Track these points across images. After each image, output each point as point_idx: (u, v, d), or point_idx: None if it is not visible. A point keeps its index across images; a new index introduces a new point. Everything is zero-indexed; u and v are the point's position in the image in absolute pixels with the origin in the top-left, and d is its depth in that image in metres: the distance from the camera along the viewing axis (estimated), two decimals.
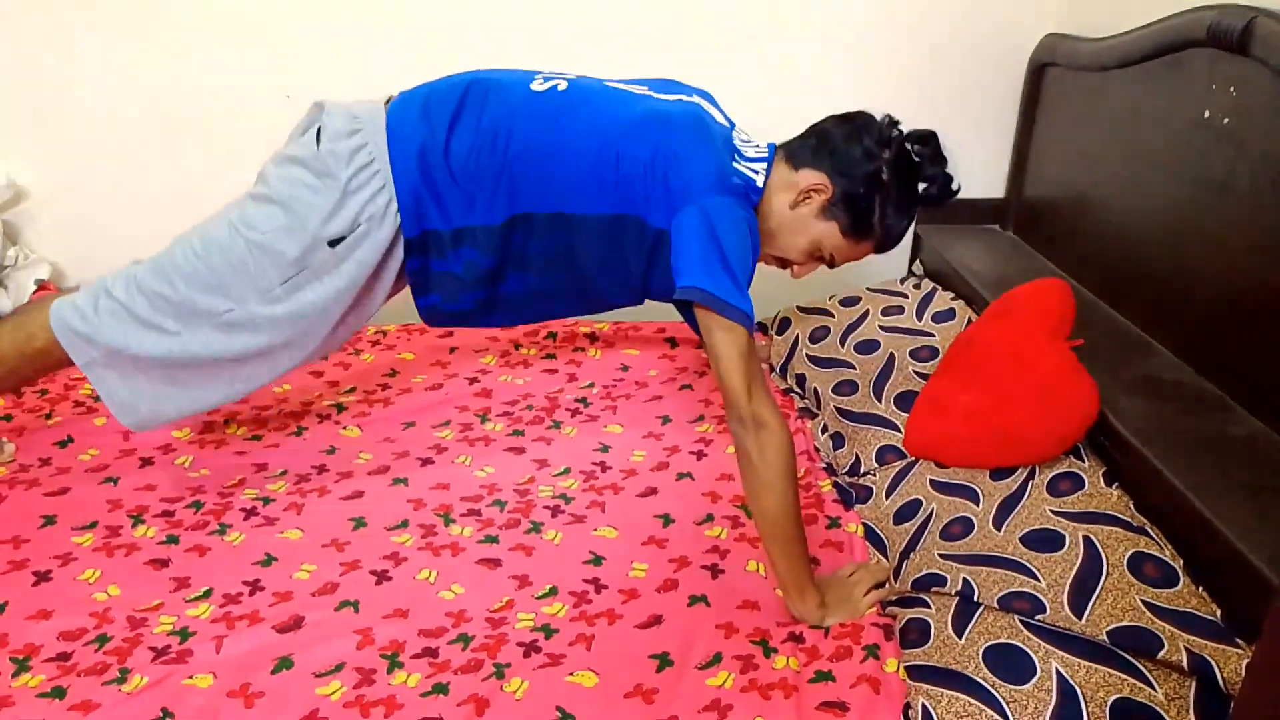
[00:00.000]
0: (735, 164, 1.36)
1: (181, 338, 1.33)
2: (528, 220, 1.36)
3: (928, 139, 1.36)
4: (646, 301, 1.55)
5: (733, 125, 1.48)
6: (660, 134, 1.33)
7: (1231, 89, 1.35)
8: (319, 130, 1.33)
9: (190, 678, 1.12)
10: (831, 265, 1.46)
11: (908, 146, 1.35)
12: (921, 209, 1.43)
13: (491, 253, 1.38)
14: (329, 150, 1.30)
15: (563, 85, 1.38)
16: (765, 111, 2.05)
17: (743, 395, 1.21)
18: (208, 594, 1.27)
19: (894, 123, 1.37)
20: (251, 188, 1.36)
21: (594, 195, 1.35)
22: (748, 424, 1.21)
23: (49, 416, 1.67)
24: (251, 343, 1.34)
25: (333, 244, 1.31)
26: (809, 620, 1.23)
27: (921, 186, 1.38)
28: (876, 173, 1.32)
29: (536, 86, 1.38)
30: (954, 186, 1.38)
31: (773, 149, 1.42)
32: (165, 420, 1.39)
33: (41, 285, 1.99)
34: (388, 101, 1.40)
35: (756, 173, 1.38)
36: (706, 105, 1.45)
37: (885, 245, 1.42)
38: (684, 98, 1.44)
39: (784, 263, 1.48)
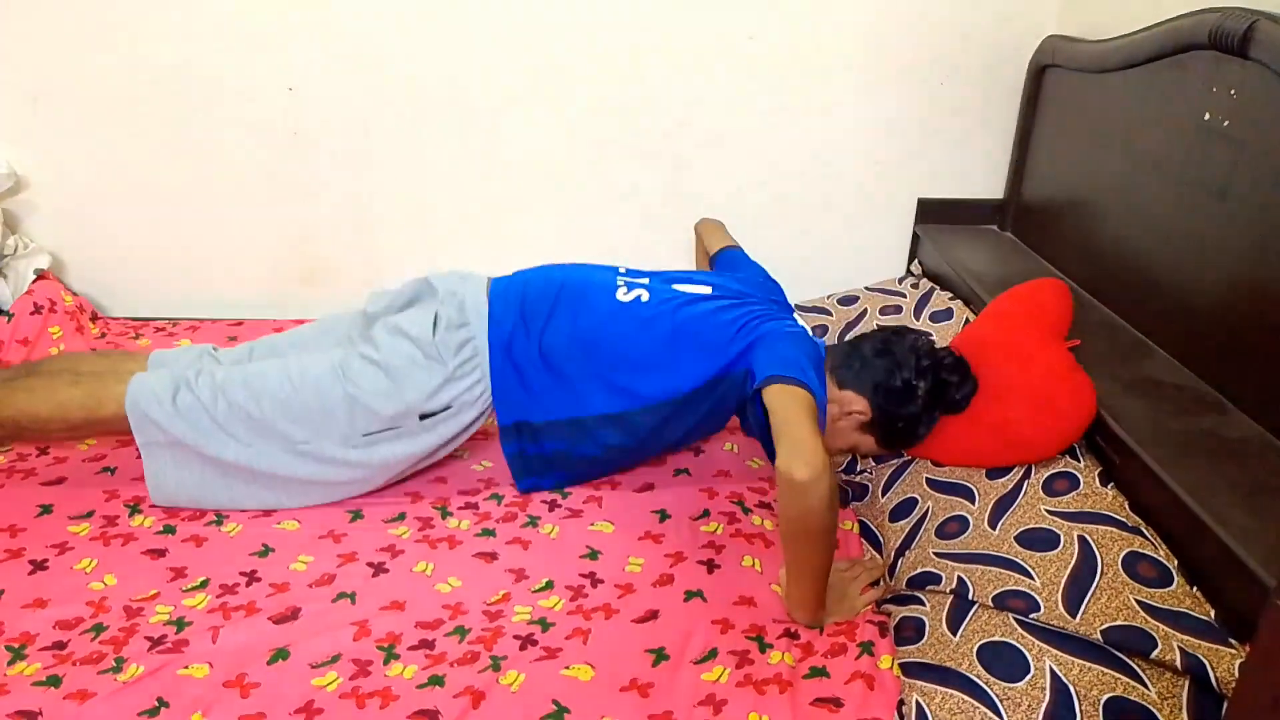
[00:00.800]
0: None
1: (251, 450, 1.37)
2: (626, 415, 1.42)
3: (958, 366, 1.43)
4: None
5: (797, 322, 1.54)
6: (745, 325, 1.43)
7: (1232, 92, 1.36)
8: (436, 316, 1.42)
9: (186, 668, 1.12)
10: (863, 457, 1.60)
11: (941, 373, 1.41)
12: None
13: (586, 441, 1.45)
14: (442, 340, 1.40)
15: (645, 296, 1.46)
16: (767, 113, 2.05)
17: (811, 439, 1.17)
18: (204, 584, 1.27)
19: (926, 350, 1.43)
20: (361, 345, 1.43)
21: (694, 375, 1.41)
22: (814, 465, 1.14)
23: None
24: (316, 472, 1.40)
25: (424, 416, 1.40)
26: (805, 623, 1.24)
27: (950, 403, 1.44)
28: (915, 410, 1.40)
29: (621, 296, 1.46)
30: (972, 397, 1.44)
31: (822, 347, 1.48)
32: (196, 506, 1.42)
33: (41, 274, 1.98)
34: (487, 284, 1.50)
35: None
36: (782, 315, 1.50)
37: (912, 446, 1.49)
38: (758, 314, 1.48)
39: None
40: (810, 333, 1.51)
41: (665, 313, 1.43)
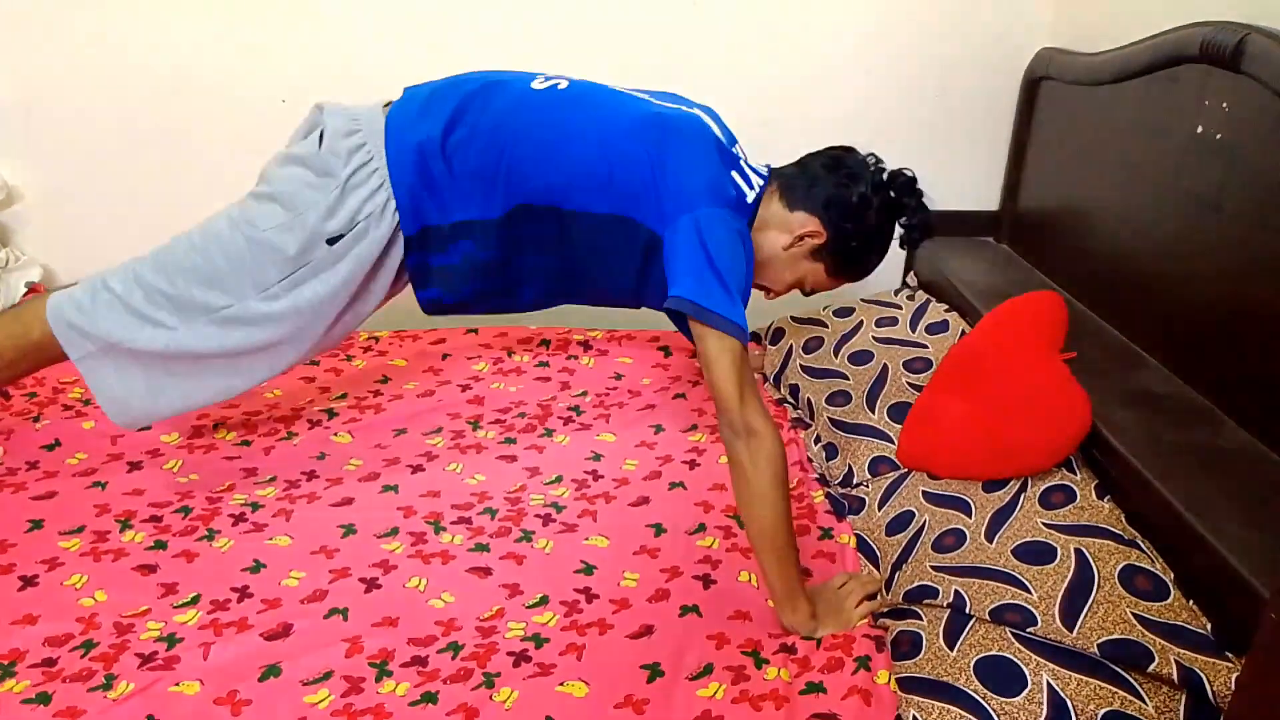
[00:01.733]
0: (733, 175, 1.37)
1: (178, 332, 1.33)
2: (525, 212, 1.37)
3: (911, 185, 1.40)
4: (642, 309, 1.56)
5: (733, 140, 1.49)
6: (659, 137, 1.35)
7: (1224, 104, 1.36)
8: (321, 132, 1.34)
9: (177, 685, 1.11)
10: (807, 294, 1.52)
11: (893, 194, 1.39)
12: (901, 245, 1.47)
13: (489, 246, 1.39)
14: (329, 149, 1.32)
15: (563, 84, 1.40)
16: (762, 123, 2.06)
17: (734, 403, 1.21)
18: (195, 600, 1.25)
19: (879, 167, 1.41)
20: (254, 187, 1.38)
21: (592, 194, 1.36)
22: (740, 432, 1.21)
23: (37, 420, 1.66)
24: (248, 338, 1.35)
25: (331, 241, 1.33)
26: (800, 631, 1.23)
27: (903, 231, 1.42)
28: (870, 224, 1.36)
29: (537, 85, 1.40)
30: (931, 226, 1.43)
31: (769, 172, 1.43)
32: (157, 417, 1.39)
33: (32, 287, 1.98)
34: (387, 105, 1.42)
35: (751, 188, 1.40)
36: (707, 118, 1.46)
37: (859, 278, 1.47)
38: (684, 108, 1.45)
39: (763, 289, 1.52)
40: (743, 179, 1.40)
41: (579, 111, 1.35)
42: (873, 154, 1.42)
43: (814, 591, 1.27)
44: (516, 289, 1.49)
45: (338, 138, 1.33)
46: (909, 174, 1.40)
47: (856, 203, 1.34)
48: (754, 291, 1.47)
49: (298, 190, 1.32)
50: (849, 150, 1.41)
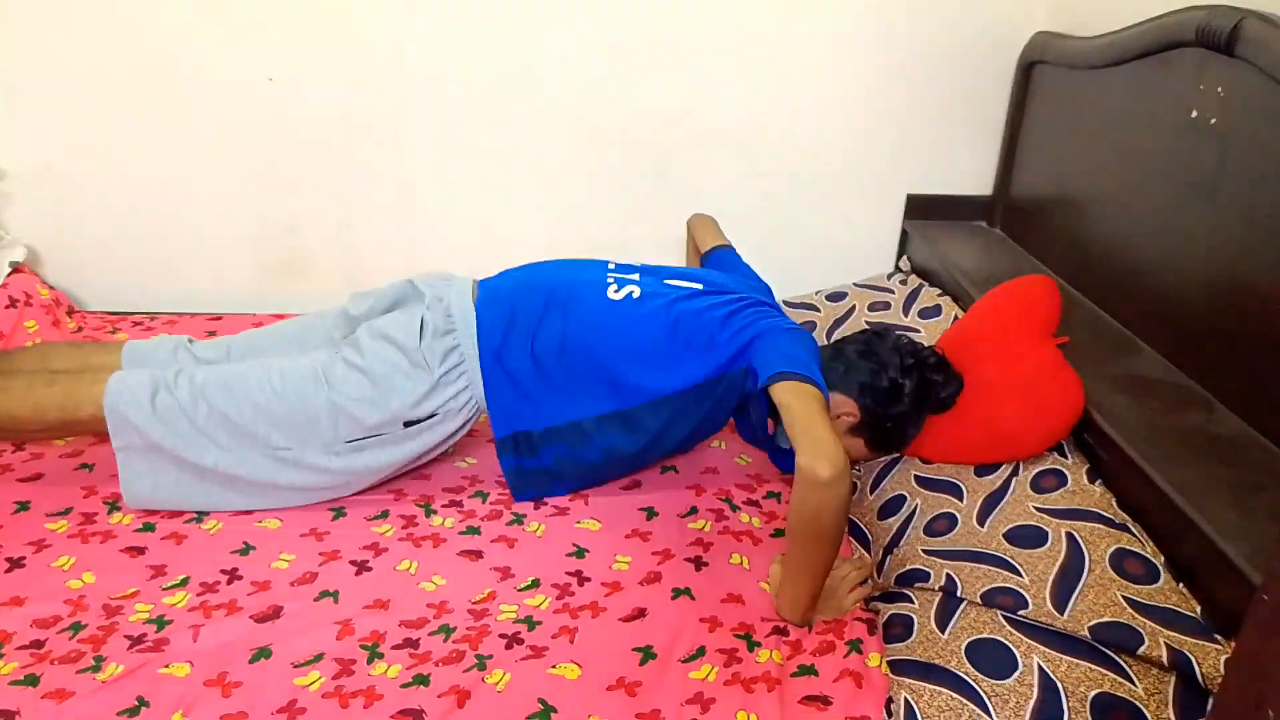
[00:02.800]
0: None
1: (231, 455, 1.35)
2: (625, 414, 1.40)
3: (941, 365, 1.44)
4: None
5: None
6: (740, 313, 1.42)
7: (1219, 89, 1.36)
8: (423, 323, 1.39)
9: (167, 666, 1.10)
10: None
11: (925, 372, 1.42)
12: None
13: (586, 446, 1.42)
14: (428, 347, 1.38)
15: (636, 293, 1.44)
16: (756, 108, 2.05)
17: (833, 440, 1.15)
18: (185, 582, 1.25)
19: (913, 351, 1.43)
20: (345, 349, 1.40)
21: (694, 370, 1.38)
22: (837, 464, 1.12)
23: None
24: (297, 479, 1.38)
25: (407, 424, 1.38)
26: (795, 621, 1.23)
27: (936, 403, 1.44)
28: (904, 410, 1.40)
29: (613, 295, 1.44)
30: (961, 388, 1.45)
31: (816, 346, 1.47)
32: (170, 508, 1.39)
33: (16, 267, 1.95)
34: (474, 288, 1.47)
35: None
36: (774, 314, 1.48)
37: (899, 450, 1.50)
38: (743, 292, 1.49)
39: None
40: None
41: (660, 308, 1.41)
42: (905, 335, 1.47)
43: None
44: (611, 474, 1.52)
45: (436, 336, 1.39)
46: (938, 354, 1.45)
47: (888, 388, 1.39)
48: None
49: (391, 375, 1.36)
50: (881, 335, 1.46)
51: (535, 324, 1.40)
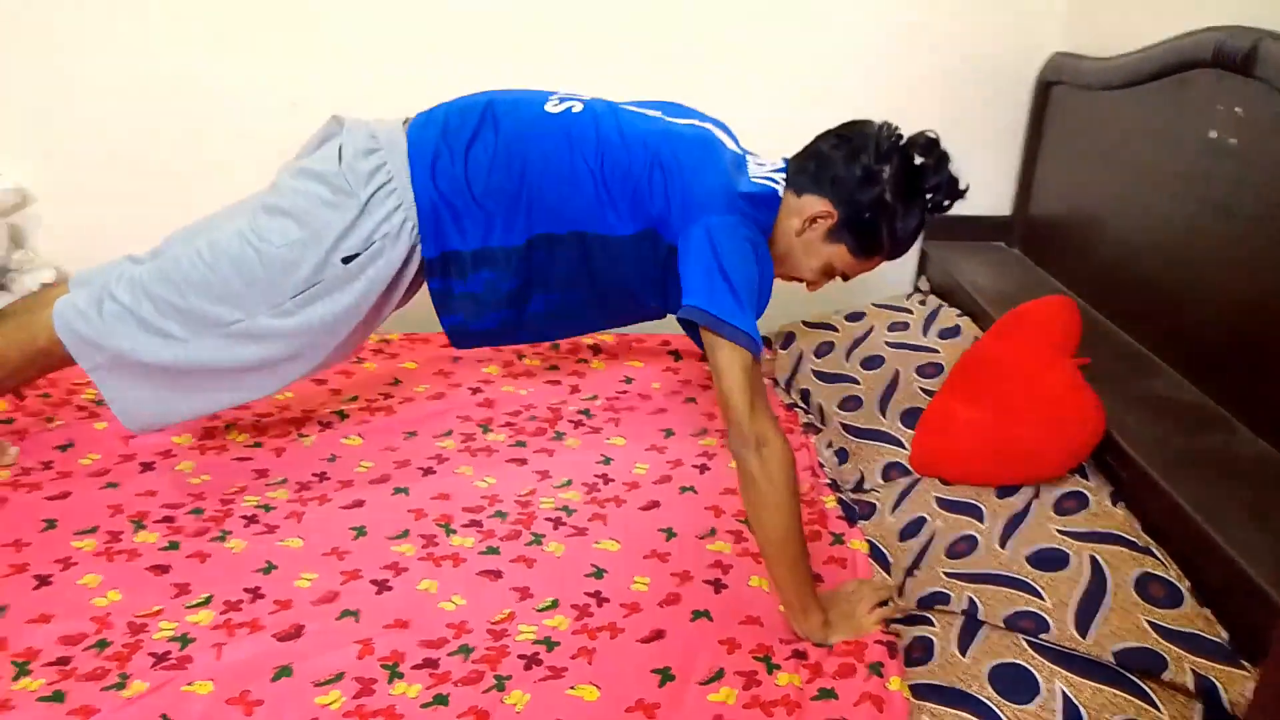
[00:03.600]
0: (753, 178, 1.38)
1: (189, 345, 1.33)
2: (548, 240, 1.37)
3: (930, 146, 1.33)
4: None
5: (746, 152, 1.49)
6: (672, 150, 1.35)
7: (1237, 109, 1.36)
8: (340, 147, 1.33)
9: (190, 684, 1.11)
10: (845, 279, 1.47)
11: (910, 155, 1.34)
12: (930, 214, 1.39)
13: (512, 274, 1.38)
14: (349, 168, 1.30)
15: (577, 107, 1.39)
16: (773, 131, 2.05)
17: (745, 413, 1.21)
18: (208, 601, 1.26)
19: (892, 133, 1.35)
20: (264, 196, 1.37)
21: (611, 215, 1.36)
22: (750, 442, 1.21)
23: (51, 420, 1.67)
24: (258, 353, 1.35)
25: (346, 260, 1.32)
26: (813, 638, 1.23)
27: (927, 194, 1.36)
28: (879, 195, 1.31)
29: (551, 108, 1.39)
30: (961, 188, 1.35)
31: (786, 164, 1.42)
32: (169, 424, 1.40)
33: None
34: (406, 122, 1.41)
35: (776, 182, 1.39)
36: (718, 131, 1.47)
37: (896, 253, 1.41)
38: (696, 122, 1.46)
39: (799, 280, 1.49)
40: (755, 178, 1.37)
41: (589, 128, 1.34)
42: (888, 122, 1.36)
43: (827, 598, 1.27)
44: (541, 317, 1.48)
45: (358, 157, 1.32)
46: (931, 135, 1.33)
47: (862, 175, 1.30)
48: (782, 289, 1.45)
49: (314, 208, 1.30)
50: (860, 122, 1.36)
51: (469, 138, 1.34)
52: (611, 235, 1.36)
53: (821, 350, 1.88)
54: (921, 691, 1.11)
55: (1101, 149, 1.78)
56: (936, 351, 1.74)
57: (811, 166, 1.36)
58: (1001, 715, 1.02)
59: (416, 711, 1.09)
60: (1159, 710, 1.00)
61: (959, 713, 1.04)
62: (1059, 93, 1.95)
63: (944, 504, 1.40)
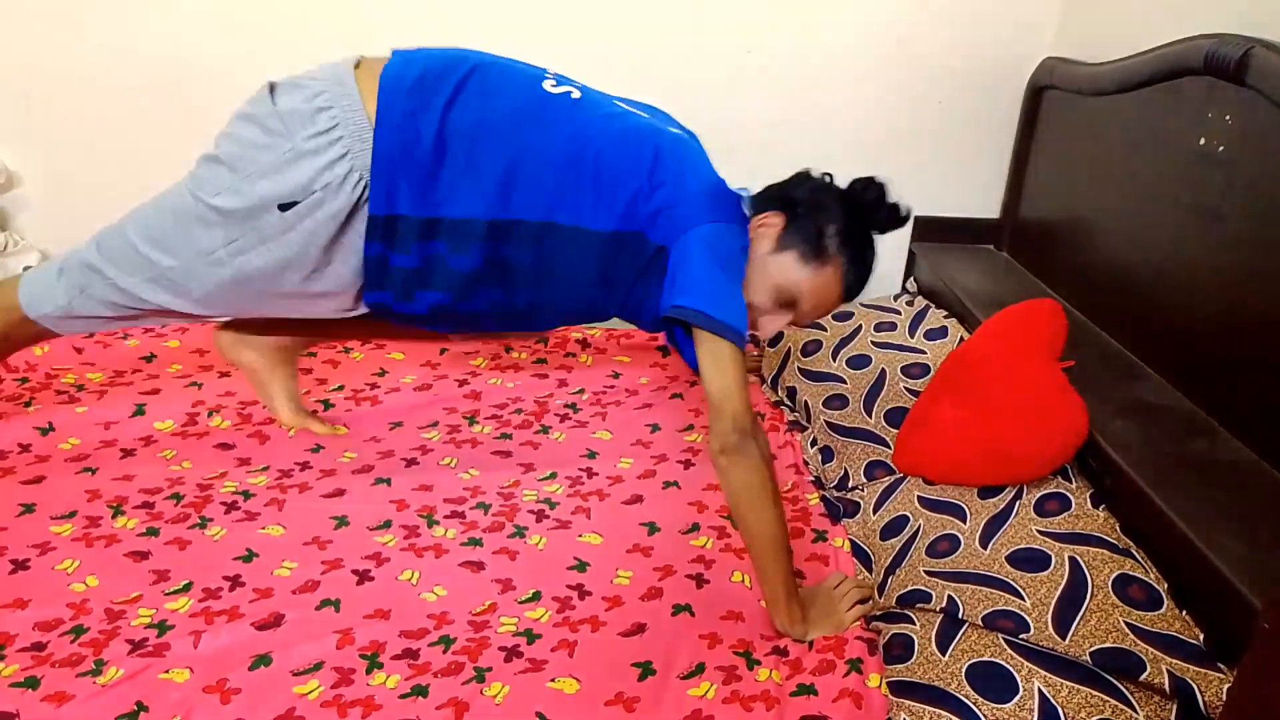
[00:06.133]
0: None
1: (120, 281, 1.32)
2: (513, 227, 1.29)
3: (869, 181, 1.34)
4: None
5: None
6: (670, 153, 1.32)
7: (1227, 117, 1.36)
8: (273, 86, 1.26)
9: (166, 672, 1.10)
10: (798, 314, 1.34)
11: (852, 197, 1.34)
12: (881, 234, 1.37)
13: (463, 253, 1.29)
14: (287, 108, 1.22)
15: (576, 94, 1.33)
16: (763, 127, 2.06)
17: (744, 411, 1.20)
18: (187, 588, 1.25)
19: (832, 180, 1.38)
20: (206, 150, 1.31)
21: (599, 209, 1.30)
22: (745, 439, 1.19)
23: (29, 404, 1.65)
24: (199, 301, 1.33)
25: (283, 208, 1.23)
26: (793, 635, 1.23)
27: (872, 215, 1.34)
28: (822, 198, 1.32)
29: (549, 88, 1.32)
30: (903, 213, 1.34)
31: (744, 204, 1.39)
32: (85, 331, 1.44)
33: None
34: (357, 65, 1.28)
35: (743, 199, 1.37)
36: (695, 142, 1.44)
37: (852, 281, 1.34)
38: (679, 130, 1.44)
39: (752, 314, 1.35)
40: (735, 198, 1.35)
41: (597, 123, 1.30)
42: (827, 172, 1.39)
43: (807, 594, 1.27)
44: (474, 319, 1.40)
45: (296, 94, 1.23)
46: (867, 177, 1.35)
47: (810, 188, 1.34)
48: None
49: (245, 153, 1.23)
50: (800, 173, 1.40)
51: (449, 97, 1.25)
52: (588, 229, 1.30)
53: (809, 349, 1.89)
54: (900, 689, 1.11)
55: (1092, 154, 1.79)
56: (923, 352, 1.75)
57: (761, 193, 1.37)
58: (979, 714, 1.02)
59: (395, 702, 1.09)
60: (1135, 711, 1.01)
61: (937, 710, 1.04)
62: (1050, 97, 1.96)
63: (927, 503, 1.40)
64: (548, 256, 1.32)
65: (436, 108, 1.24)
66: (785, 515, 1.25)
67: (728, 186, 1.36)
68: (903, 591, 1.23)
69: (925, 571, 1.25)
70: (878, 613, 1.27)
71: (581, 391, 1.86)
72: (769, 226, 1.32)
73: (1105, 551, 1.18)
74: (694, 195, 1.30)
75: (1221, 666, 1.03)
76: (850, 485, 1.55)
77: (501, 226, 1.28)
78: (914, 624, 1.19)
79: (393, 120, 1.22)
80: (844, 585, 1.30)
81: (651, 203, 1.30)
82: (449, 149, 1.24)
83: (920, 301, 1.99)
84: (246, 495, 1.45)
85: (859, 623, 1.26)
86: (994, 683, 1.05)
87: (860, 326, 1.89)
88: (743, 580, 1.35)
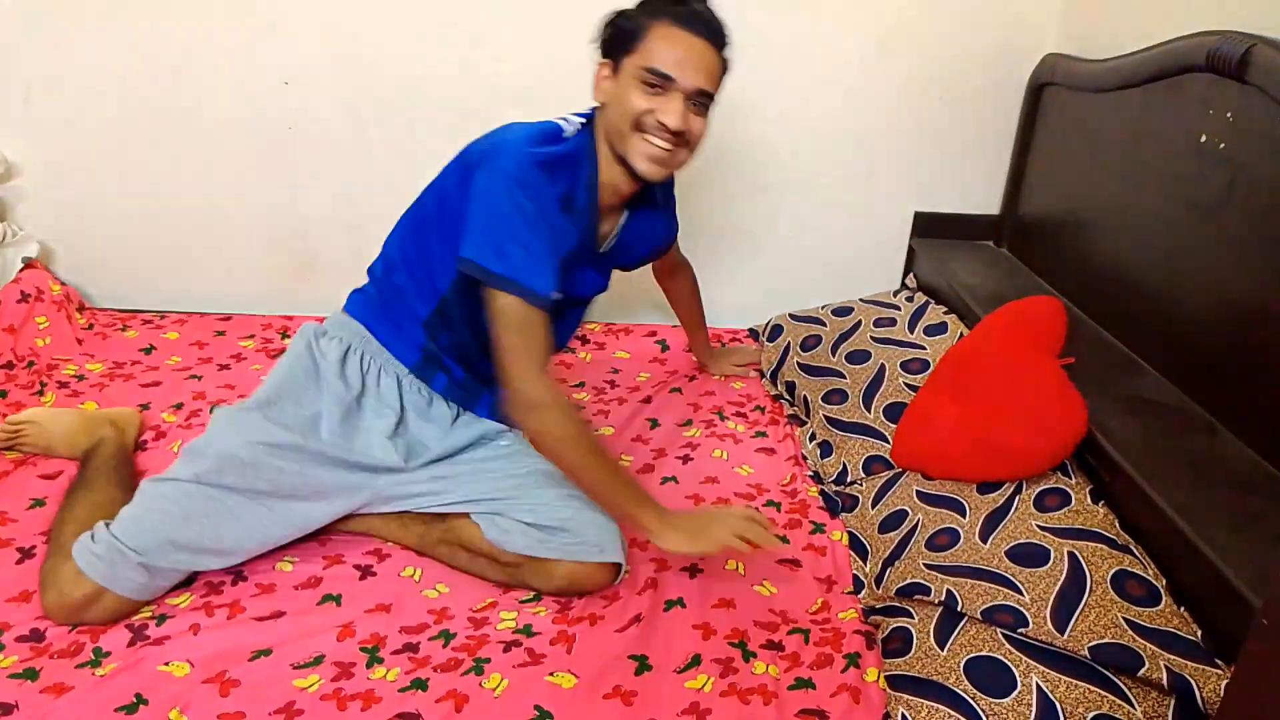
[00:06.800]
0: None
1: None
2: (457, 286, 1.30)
3: None
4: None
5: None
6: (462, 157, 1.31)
7: (1228, 114, 1.36)
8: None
9: (166, 664, 1.11)
10: (669, 84, 1.28)
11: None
12: None
13: (445, 328, 1.35)
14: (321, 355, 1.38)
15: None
16: (764, 122, 2.05)
17: (513, 372, 1.18)
18: (190, 581, 1.25)
19: None
20: None
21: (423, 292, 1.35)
22: (519, 405, 1.19)
23: (41, 394, 1.66)
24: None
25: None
26: (664, 544, 1.20)
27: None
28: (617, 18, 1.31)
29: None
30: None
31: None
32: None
33: (29, 263, 1.96)
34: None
35: (569, 120, 1.34)
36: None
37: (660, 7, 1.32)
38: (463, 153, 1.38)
39: (638, 173, 1.31)
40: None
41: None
42: None
43: (687, 512, 1.31)
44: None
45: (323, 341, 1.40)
46: None
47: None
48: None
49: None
50: None
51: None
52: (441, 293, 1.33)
53: (808, 344, 1.89)
54: (898, 683, 1.11)
55: (1092, 151, 1.78)
56: (923, 348, 1.75)
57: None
58: (977, 709, 1.02)
59: (394, 695, 1.09)
60: (1133, 706, 1.01)
61: (935, 705, 1.05)
62: (1051, 94, 1.95)
63: (926, 498, 1.40)
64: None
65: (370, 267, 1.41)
66: (600, 447, 1.23)
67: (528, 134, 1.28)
68: (902, 584, 1.24)
69: (924, 565, 1.25)
70: (876, 605, 1.27)
71: (581, 384, 1.86)
72: (601, 77, 1.31)
73: (1104, 547, 1.18)
74: (469, 156, 1.27)
75: (1219, 663, 1.03)
76: (849, 480, 1.56)
77: (454, 286, 1.31)
78: (912, 618, 1.19)
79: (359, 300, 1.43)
80: (730, 509, 1.30)
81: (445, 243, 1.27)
82: (389, 276, 1.39)
83: (920, 297, 1.99)
84: None
85: (733, 543, 1.19)
86: (992, 677, 1.05)
87: (860, 322, 1.89)
88: (736, 568, 1.35)
